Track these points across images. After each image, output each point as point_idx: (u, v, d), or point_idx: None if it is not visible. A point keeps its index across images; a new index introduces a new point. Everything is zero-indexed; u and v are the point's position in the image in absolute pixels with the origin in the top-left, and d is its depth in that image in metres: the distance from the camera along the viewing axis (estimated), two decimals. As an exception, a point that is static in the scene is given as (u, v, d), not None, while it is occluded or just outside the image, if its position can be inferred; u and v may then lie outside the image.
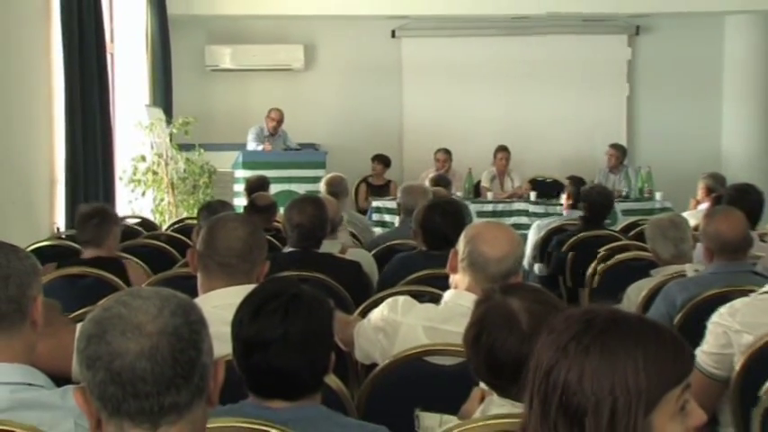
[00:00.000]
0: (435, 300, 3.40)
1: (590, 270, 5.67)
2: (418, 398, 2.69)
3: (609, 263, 5.59)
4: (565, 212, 8.30)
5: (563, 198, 8.54)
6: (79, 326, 1.81)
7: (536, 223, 8.24)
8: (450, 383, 2.77)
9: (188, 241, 5.90)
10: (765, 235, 5.73)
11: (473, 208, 10.46)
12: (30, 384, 2.29)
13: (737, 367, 3.26)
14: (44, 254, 5.48)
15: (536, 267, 7.32)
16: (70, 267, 4.90)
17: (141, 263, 5.26)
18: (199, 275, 3.39)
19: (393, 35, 13.26)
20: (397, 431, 2.46)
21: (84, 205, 5.76)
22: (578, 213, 7.29)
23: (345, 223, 7.66)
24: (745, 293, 3.60)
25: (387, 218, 10.10)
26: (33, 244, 5.98)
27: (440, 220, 4.82)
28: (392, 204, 9.83)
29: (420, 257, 4.85)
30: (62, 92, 8.40)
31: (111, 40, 10.14)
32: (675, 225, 4.94)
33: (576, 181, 8.50)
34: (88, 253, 5.07)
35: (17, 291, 2.37)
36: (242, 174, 10.24)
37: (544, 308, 2.35)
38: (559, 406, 1.60)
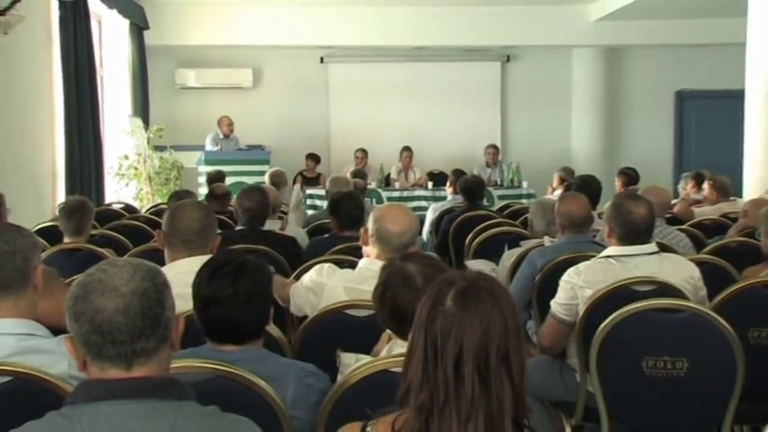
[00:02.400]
0: (352, 266, 3.38)
1: (467, 241, 5.67)
2: (339, 341, 2.67)
3: (485, 235, 5.56)
4: (449, 196, 8.32)
5: (448, 185, 8.57)
6: None
7: (432, 206, 8.24)
8: (363, 330, 2.76)
9: (161, 222, 5.82)
10: (602, 214, 5.84)
11: (384, 195, 10.52)
12: (32, 335, 2.28)
13: (581, 314, 3.31)
14: (47, 232, 5.39)
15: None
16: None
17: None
18: (165, 250, 3.34)
19: (321, 61, 13.19)
20: (323, 368, 2.45)
21: (68, 199, 5.64)
22: (460, 198, 7.31)
23: (298, 205, 7.64)
24: (587, 258, 3.64)
25: (317, 202, 10.01)
26: (39, 224, 5.87)
27: (350, 207, 4.76)
28: (322, 192, 9.79)
29: (330, 240, 4.78)
30: (62, 105, 8.32)
31: (101, 65, 9.97)
32: (553, 209, 4.98)
33: (458, 172, 8.51)
34: (68, 239, 4.91)
35: (21, 262, 2.35)
36: (204, 169, 10.13)
37: (434, 270, 2.37)
38: (453, 355, 1.58)
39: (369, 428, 1.64)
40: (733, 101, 8.05)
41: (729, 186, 7.18)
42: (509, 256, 4.72)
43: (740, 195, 7.44)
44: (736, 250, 4.62)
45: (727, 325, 2.97)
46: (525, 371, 1.61)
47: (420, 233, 5.89)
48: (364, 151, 11.88)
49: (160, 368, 1.71)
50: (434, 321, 1.59)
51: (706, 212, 6.64)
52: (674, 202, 6.78)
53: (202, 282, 2.34)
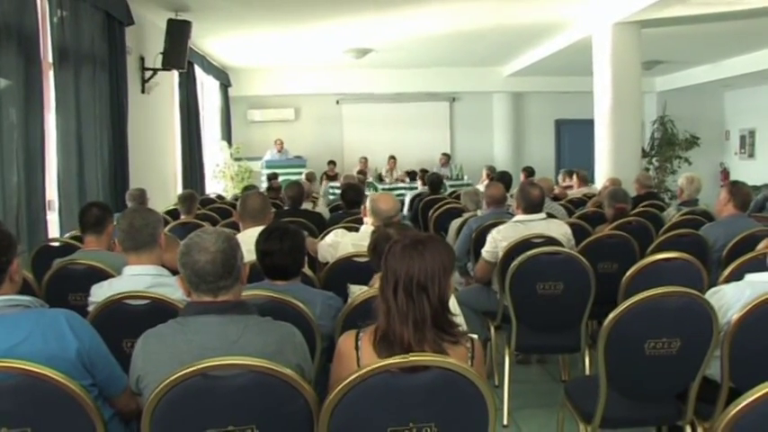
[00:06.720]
0: (357, 230, 3.35)
1: (430, 214, 5.67)
2: (348, 278, 2.64)
3: (441, 210, 5.59)
4: (419, 187, 8.30)
5: (418, 179, 8.55)
6: None
7: (408, 193, 8.25)
8: (363, 271, 2.70)
9: (238, 205, 5.77)
10: (513, 195, 5.84)
11: (379, 186, 10.46)
12: (161, 274, 2.29)
13: (500, 257, 3.32)
14: (171, 213, 5.38)
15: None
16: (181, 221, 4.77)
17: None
18: (239, 222, 3.33)
19: (337, 102, 13.05)
20: (338, 294, 2.42)
21: (183, 191, 5.63)
22: (427, 187, 7.29)
23: (324, 193, 7.51)
24: (504, 222, 3.64)
25: (336, 191, 9.96)
26: (166, 208, 5.85)
27: (352, 195, 4.74)
28: (338, 184, 9.75)
29: (343, 214, 4.71)
30: (179, 134, 8.30)
31: (203, 109, 9.86)
32: (477, 194, 4.97)
33: (424, 171, 8.54)
34: (183, 216, 4.88)
35: (152, 230, 2.36)
36: (265, 171, 10.05)
37: (406, 233, 2.35)
38: (393, 281, 1.57)
39: (361, 333, 1.62)
40: (589, 126, 8.07)
41: (587, 177, 7.27)
42: (455, 222, 4.74)
43: (593, 182, 7.55)
44: (592, 216, 4.64)
45: (586, 262, 2.99)
46: (444, 296, 1.56)
47: (402, 210, 5.87)
48: (365, 158, 11.80)
49: (235, 296, 1.70)
50: (387, 261, 1.59)
51: (575, 193, 6.67)
52: (555, 187, 6.82)
53: (261, 241, 2.31)
